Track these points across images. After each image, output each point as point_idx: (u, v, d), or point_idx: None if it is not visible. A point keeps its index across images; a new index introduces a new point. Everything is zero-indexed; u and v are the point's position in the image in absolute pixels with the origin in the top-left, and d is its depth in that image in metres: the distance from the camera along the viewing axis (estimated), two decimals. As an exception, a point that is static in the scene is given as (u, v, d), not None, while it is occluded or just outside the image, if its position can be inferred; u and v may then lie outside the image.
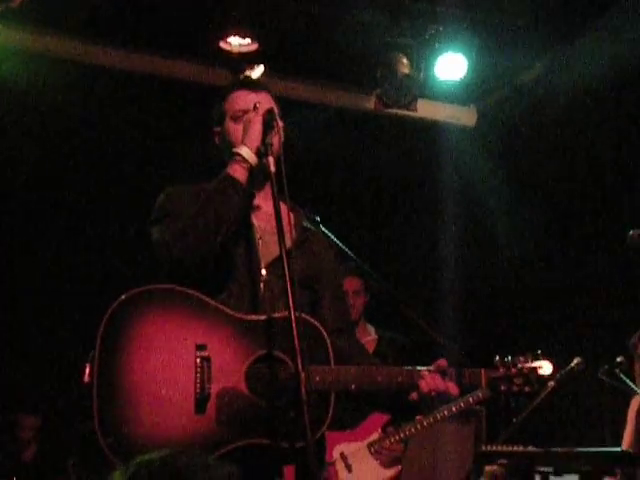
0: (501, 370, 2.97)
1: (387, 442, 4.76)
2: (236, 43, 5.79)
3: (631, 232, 3.79)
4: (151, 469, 1.92)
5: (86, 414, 2.64)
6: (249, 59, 5.88)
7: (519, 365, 2.98)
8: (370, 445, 4.79)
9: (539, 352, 3.03)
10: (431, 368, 2.91)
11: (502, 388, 2.98)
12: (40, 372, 6.75)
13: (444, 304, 6.51)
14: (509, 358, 2.99)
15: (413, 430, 4.71)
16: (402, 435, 4.74)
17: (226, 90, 3.13)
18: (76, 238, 6.87)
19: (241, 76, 5.68)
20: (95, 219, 6.83)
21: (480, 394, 4.37)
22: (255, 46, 5.83)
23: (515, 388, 2.97)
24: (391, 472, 4.81)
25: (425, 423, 4.66)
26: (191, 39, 5.85)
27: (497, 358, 2.99)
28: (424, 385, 2.86)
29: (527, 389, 2.98)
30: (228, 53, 5.81)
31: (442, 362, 2.93)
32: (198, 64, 6.19)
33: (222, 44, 5.78)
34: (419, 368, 2.91)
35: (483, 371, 2.96)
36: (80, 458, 5.79)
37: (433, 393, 2.87)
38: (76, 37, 5.84)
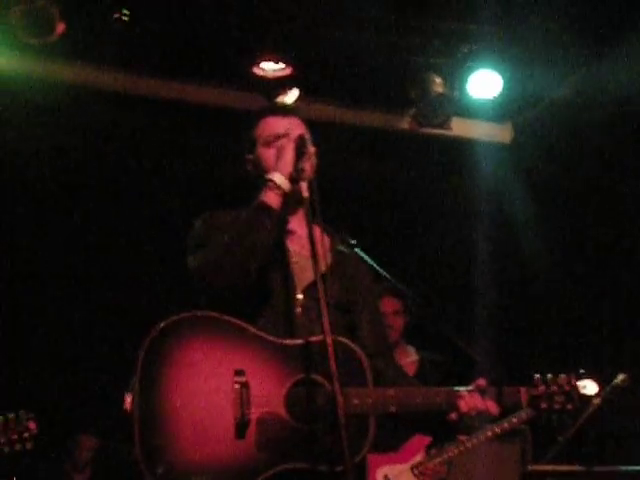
0: (541, 388, 2.94)
1: (431, 464, 4.73)
2: (270, 68, 5.81)
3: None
4: None
5: (128, 442, 2.67)
6: (283, 83, 5.91)
7: (560, 383, 2.95)
8: (414, 467, 4.76)
9: (582, 371, 3.00)
10: (470, 388, 2.89)
11: (543, 406, 2.94)
12: (92, 396, 6.77)
13: (481, 322, 6.46)
14: (549, 376, 2.96)
15: (457, 451, 4.68)
16: (446, 457, 4.71)
17: (256, 117, 3.16)
18: (123, 272, 6.98)
19: (274, 101, 5.70)
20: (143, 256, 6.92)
21: (524, 414, 4.34)
22: (289, 70, 5.85)
23: (557, 406, 2.94)
24: (435, 494, 4.78)
25: (469, 444, 4.62)
26: (224, 66, 5.89)
27: (537, 376, 2.96)
28: (463, 405, 2.84)
29: (569, 407, 2.94)
30: (262, 78, 5.84)
31: (481, 381, 2.90)
32: (232, 90, 6.22)
33: (256, 69, 5.81)
34: (458, 388, 2.90)
35: (523, 389, 2.94)
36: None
37: (473, 413, 2.85)
38: (112, 68, 5.92)
